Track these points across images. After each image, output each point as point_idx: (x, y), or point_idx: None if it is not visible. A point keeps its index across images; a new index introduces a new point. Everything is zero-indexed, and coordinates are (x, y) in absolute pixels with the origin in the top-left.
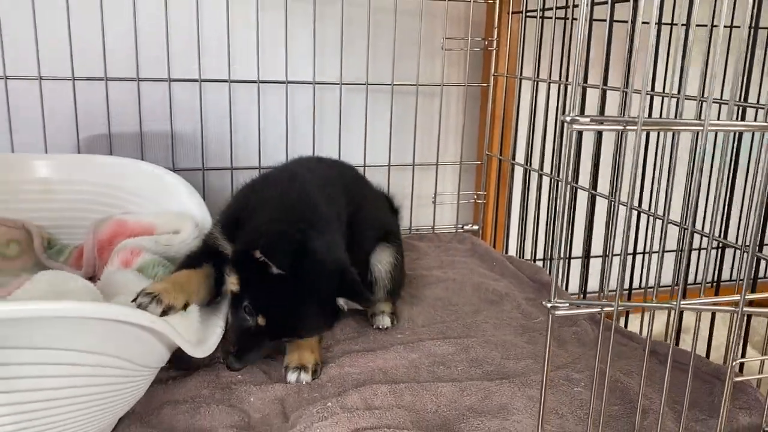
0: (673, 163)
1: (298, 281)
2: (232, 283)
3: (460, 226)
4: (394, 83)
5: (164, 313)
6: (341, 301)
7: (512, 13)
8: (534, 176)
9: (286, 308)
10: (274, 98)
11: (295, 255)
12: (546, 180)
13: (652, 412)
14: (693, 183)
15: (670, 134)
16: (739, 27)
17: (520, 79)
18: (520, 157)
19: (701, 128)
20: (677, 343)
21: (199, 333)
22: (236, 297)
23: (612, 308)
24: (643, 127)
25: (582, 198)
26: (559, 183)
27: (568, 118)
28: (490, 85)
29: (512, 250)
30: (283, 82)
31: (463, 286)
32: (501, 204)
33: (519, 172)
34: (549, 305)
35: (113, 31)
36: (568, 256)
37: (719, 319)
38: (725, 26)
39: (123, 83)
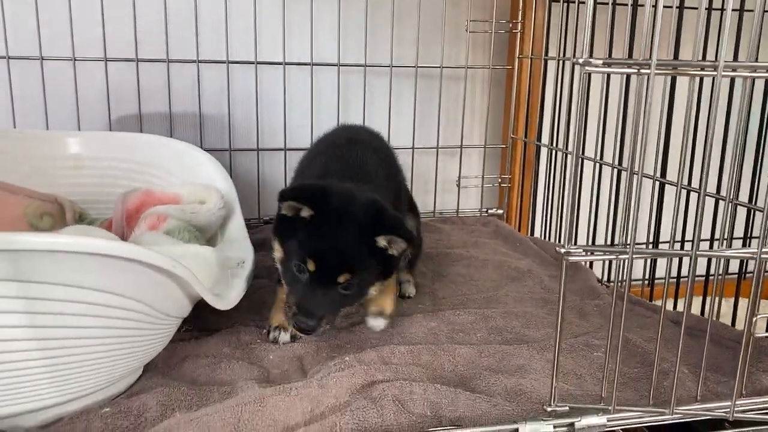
0: (688, 115)
1: (331, 217)
2: (276, 251)
3: (485, 210)
4: (419, 65)
5: (293, 337)
6: (382, 241)
7: None
8: (560, 160)
9: (327, 243)
10: (299, 80)
11: (318, 194)
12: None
13: (672, 374)
14: (711, 137)
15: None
16: None
17: (546, 60)
18: (546, 140)
19: (715, 73)
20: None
21: (222, 286)
22: (284, 263)
23: (626, 256)
24: (657, 71)
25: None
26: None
27: (580, 60)
28: (515, 68)
29: (537, 234)
30: (308, 64)
31: (486, 264)
32: (526, 188)
33: (543, 156)
34: (563, 251)
35: (144, 13)
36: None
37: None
38: None
39: (153, 65)
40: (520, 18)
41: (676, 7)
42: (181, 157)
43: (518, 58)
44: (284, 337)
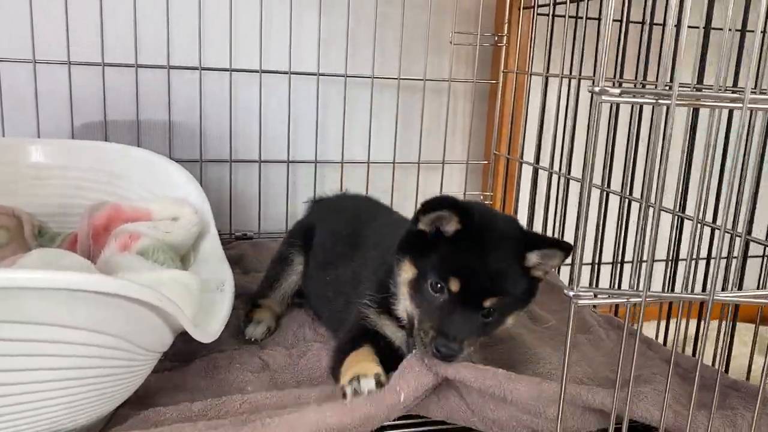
0: (710, 149)
1: (478, 233)
2: (405, 271)
3: None
4: (401, 77)
5: (378, 383)
6: (534, 258)
7: (523, 8)
8: (543, 177)
9: (476, 262)
10: (277, 90)
11: (464, 207)
12: (557, 180)
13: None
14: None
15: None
16: None
17: (530, 75)
18: (529, 156)
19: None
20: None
21: (202, 314)
22: (413, 283)
23: (639, 299)
24: (678, 101)
25: (594, 196)
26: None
27: (596, 89)
28: (499, 82)
29: None
30: (285, 73)
31: None
32: (508, 206)
33: (526, 173)
34: (571, 294)
35: (111, 15)
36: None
37: (738, 336)
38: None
39: (121, 69)
40: (505, 31)
41: (703, 28)
42: (152, 168)
43: (503, 72)
44: (368, 384)
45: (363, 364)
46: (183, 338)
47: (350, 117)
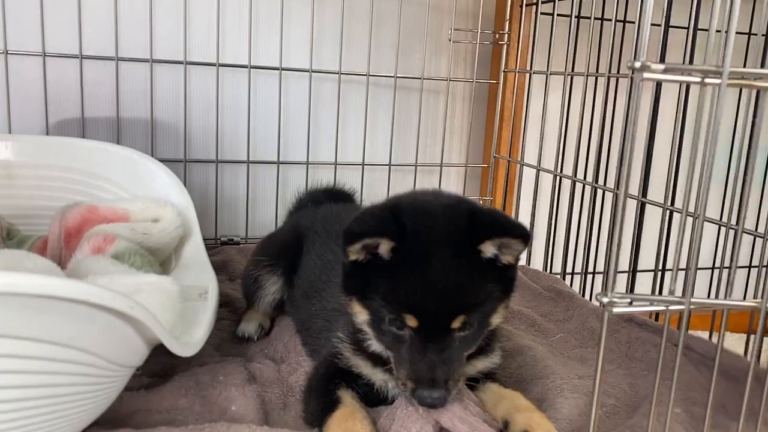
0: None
1: (417, 246)
2: (358, 313)
3: None
4: (398, 75)
5: None
6: (490, 249)
7: (525, 5)
8: (546, 181)
9: (425, 282)
10: (266, 87)
11: (392, 219)
12: (566, 185)
13: None
14: None
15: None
16: None
17: (532, 74)
18: (530, 159)
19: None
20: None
21: (183, 325)
22: (373, 323)
23: (682, 307)
24: (730, 81)
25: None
26: (586, 186)
27: (637, 64)
28: (500, 82)
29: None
30: (276, 69)
31: None
32: (508, 211)
33: (527, 176)
34: (605, 300)
35: (90, 3)
36: (593, 270)
37: None
38: None
39: (100, 62)
40: (507, 29)
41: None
42: (132, 167)
43: (504, 72)
44: None
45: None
46: (161, 350)
47: (344, 117)
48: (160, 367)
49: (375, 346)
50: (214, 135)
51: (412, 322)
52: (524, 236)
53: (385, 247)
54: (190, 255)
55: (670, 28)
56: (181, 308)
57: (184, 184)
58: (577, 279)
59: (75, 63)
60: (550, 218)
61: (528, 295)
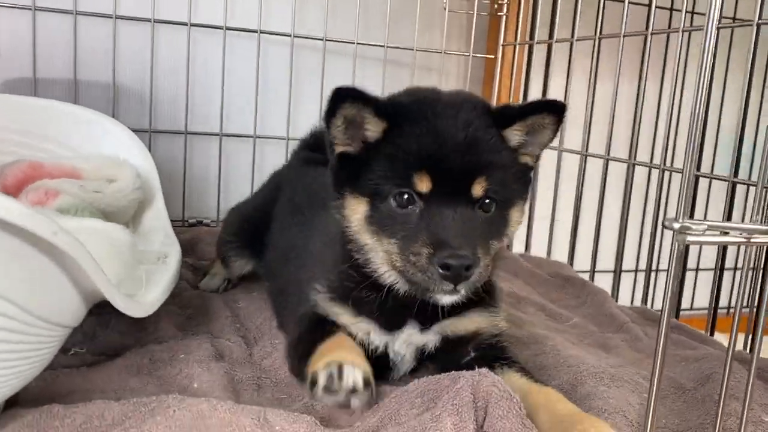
0: None
1: (422, 114)
2: (352, 208)
3: None
4: (389, 45)
5: (368, 384)
6: (515, 135)
7: None
8: (549, 161)
9: (438, 137)
10: (243, 52)
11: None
12: (571, 160)
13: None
14: None
15: None
16: None
17: (533, 45)
18: None
19: None
20: None
21: (135, 286)
22: (371, 216)
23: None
24: None
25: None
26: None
27: (676, 225)
28: (498, 57)
29: (519, 249)
30: (254, 32)
31: None
32: None
33: None
34: (676, 226)
35: None
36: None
37: None
38: None
39: (55, 16)
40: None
41: None
42: (87, 127)
43: (502, 45)
44: (352, 375)
45: (344, 352)
46: (112, 323)
47: (329, 89)
48: (109, 345)
49: (381, 266)
50: (184, 104)
51: (424, 185)
52: (558, 108)
53: (375, 127)
54: (150, 222)
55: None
56: (132, 264)
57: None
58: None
59: (27, 15)
60: (554, 200)
61: (533, 282)
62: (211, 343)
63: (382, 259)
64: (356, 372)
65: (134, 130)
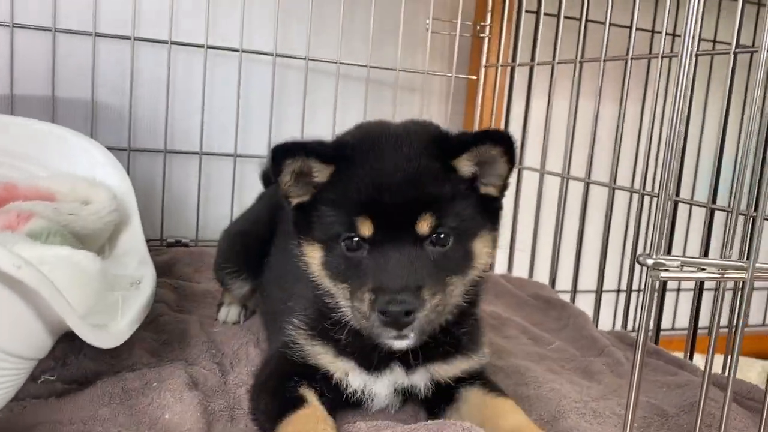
0: None
1: (365, 153)
2: (311, 254)
3: None
4: (371, 65)
5: None
6: (465, 165)
7: None
8: (530, 183)
9: (377, 179)
10: (225, 71)
11: (332, 143)
12: (551, 182)
13: None
14: None
15: None
16: None
17: (514, 67)
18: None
19: None
20: None
21: (105, 314)
22: (328, 260)
23: (743, 274)
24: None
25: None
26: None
27: (649, 261)
28: (480, 78)
29: (501, 269)
30: (235, 51)
31: None
32: None
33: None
34: (650, 262)
35: None
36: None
37: None
38: None
39: (34, 33)
40: (488, 20)
41: None
42: (63, 146)
43: (484, 67)
44: None
45: None
46: (83, 352)
47: (311, 110)
48: (81, 372)
49: (347, 312)
50: (164, 122)
51: (366, 228)
52: (501, 139)
53: (322, 172)
54: (126, 245)
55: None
56: (103, 291)
57: (128, 175)
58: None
59: (5, 32)
60: (536, 221)
61: (515, 303)
62: (185, 370)
63: (346, 306)
64: None
65: (113, 149)
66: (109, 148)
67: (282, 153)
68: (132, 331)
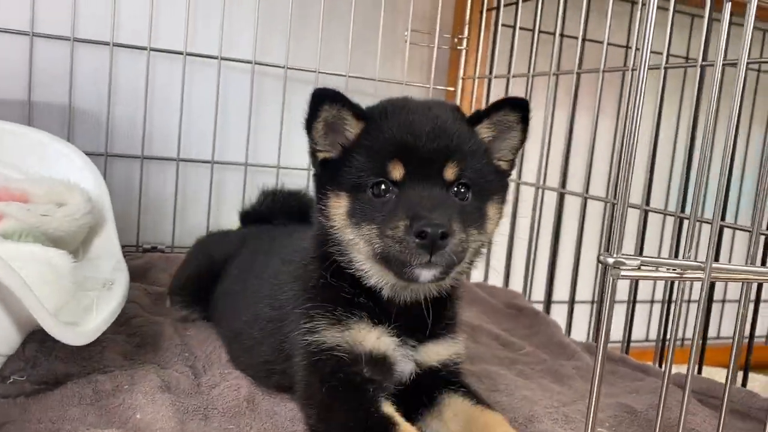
0: None
1: (398, 111)
2: (335, 204)
3: None
4: (350, 75)
5: None
6: (485, 131)
7: (486, 10)
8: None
9: (409, 128)
10: (204, 78)
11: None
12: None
13: None
14: None
15: None
16: None
17: (491, 79)
18: None
19: None
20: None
21: (77, 312)
22: (353, 208)
23: (701, 275)
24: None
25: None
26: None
27: (610, 260)
28: (458, 90)
29: (477, 278)
30: (215, 58)
31: None
32: None
33: None
34: (610, 261)
35: None
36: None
37: None
38: None
39: (12, 37)
40: (466, 33)
41: None
42: (39, 148)
43: (462, 79)
44: None
45: None
46: (53, 354)
47: (290, 118)
48: (51, 374)
49: (357, 259)
50: (141, 127)
51: (397, 172)
52: (518, 104)
53: (353, 127)
54: (100, 249)
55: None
56: (75, 291)
57: (104, 181)
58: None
59: None
60: (511, 231)
61: (488, 311)
62: (158, 374)
63: (364, 251)
64: None
65: (90, 154)
66: (86, 153)
67: (320, 97)
68: (101, 331)
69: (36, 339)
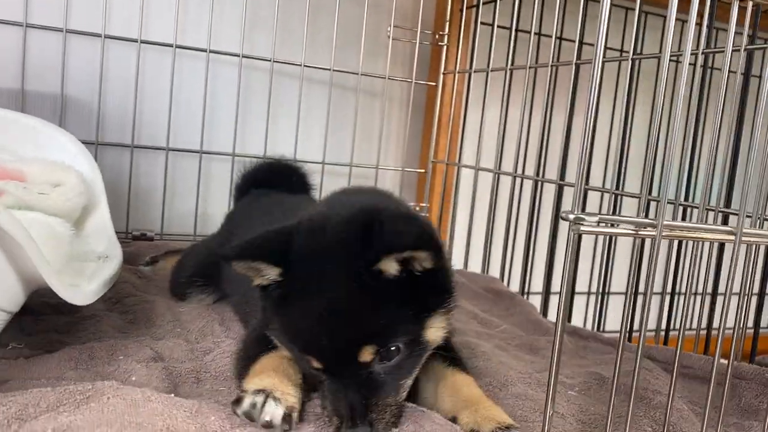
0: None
1: (302, 275)
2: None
3: None
4: (334, 69)
5: (287, 419)
6: (390, 266)
7: (466, 8)
8: (484, 184)
9: (313, 317)
10: (193, 70)
11: (277, 242)
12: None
13: (672, 411)
14: None
15: None
16: None
17: (471, 73)
18: (468, 161)
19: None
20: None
21: (76, 278)
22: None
23: (653, 232)
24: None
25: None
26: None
27: (571, 216)
28: (438, 84)
29: (458, 265)
30: (204, 50)
31: None
32: (445, 217)
33: (464, 180)
34: (571, 217)
35: None
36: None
37: None
38: None
39: (6, 27)
40: (446, 30)
41: None
42: (32, 133)
43: (443, 74)
44: (272, 412)
45: (278, 380)
46: (50, 324)
47: (276, 110)
48: (47, 342)
49: None
50: (132, 117)
51: (316, 363)
52: (428, 247)
53: (271, 273)
54: (93, 228)
55: None
56: (72, 257)
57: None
58: (516, 280)
59: None
60: (489, 219)
61: (468, 294)
62: (151, 346)
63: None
64: (277, 409)
65: (81, 142)
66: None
67: (230, 258)
68: (100, 294)
69: (32, 312)
